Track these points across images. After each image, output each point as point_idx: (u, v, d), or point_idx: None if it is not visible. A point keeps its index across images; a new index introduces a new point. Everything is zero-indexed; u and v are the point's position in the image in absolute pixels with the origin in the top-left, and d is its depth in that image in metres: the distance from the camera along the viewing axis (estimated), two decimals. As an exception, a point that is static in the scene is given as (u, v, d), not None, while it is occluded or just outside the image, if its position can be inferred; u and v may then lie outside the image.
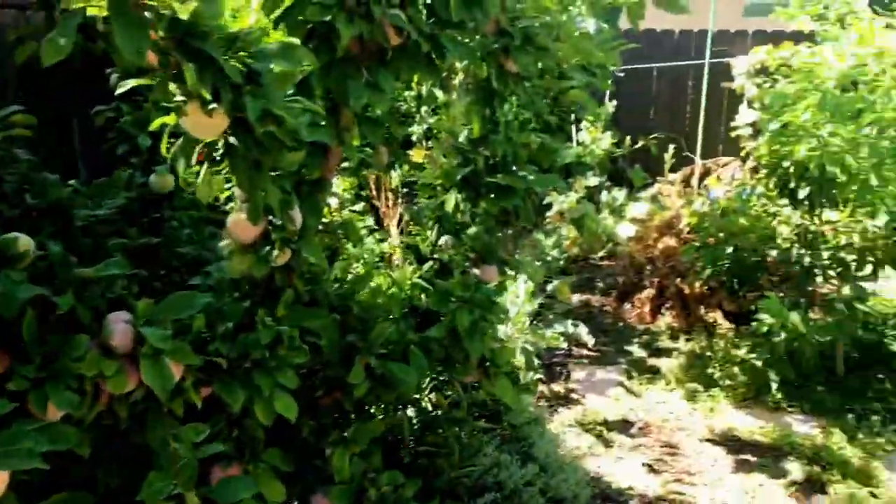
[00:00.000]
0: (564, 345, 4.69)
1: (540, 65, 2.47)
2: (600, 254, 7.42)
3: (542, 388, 4.82)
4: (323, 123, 1.78)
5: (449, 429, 3.04)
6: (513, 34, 1.99)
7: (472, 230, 2.36)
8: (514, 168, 2.63)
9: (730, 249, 4.69)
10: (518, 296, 4.87)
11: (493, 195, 2.21)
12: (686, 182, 7.33)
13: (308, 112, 1.59)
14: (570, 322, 4.91)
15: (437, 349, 2.04)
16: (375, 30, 1.74)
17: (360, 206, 2.39)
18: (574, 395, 4.77)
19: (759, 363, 4.31)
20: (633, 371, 5.06)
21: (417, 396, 2.65)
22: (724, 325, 5.57)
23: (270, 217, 1.82)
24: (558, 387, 4.87)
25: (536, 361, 4.79)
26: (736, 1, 11.44)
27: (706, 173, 7.29)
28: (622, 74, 8.59)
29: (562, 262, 5.99)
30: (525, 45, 2.03)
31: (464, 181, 2.23)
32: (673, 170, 8.10)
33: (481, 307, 2.07)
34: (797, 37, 8.14)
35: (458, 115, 2.32)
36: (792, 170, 4.09)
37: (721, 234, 4.66)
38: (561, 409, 4.61)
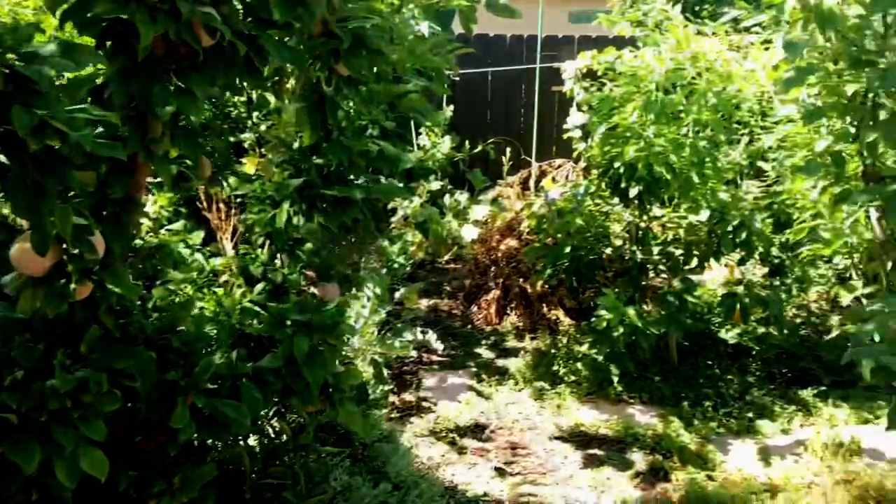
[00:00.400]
0: (414, 353, 4.61)
1: (375, 69, 2.35)
2: (446, 257, 7.43)
3: (393, 398, 4.71)
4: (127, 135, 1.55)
5: (295, 457, 2.85)
6: (342, 36, 1.85)
7: (308, 245, 2.18)
8: (353, 177, 2.49)
9: (568, 249, 4.80)
10: (364, 306, 4.73)
11: (329, 207, 2.06)
12: (524, 184, 7.51)
13: (103, 123, 1.37)
14: (418, 329, 4.83)
15: (273, 380, 1.85)
16: (183, 29, 1.53)
17: (180, 224, 2.14)
18: (426, 403, 4.69)
19: (599, 358, 4.44)
20: (483, 373, 5.06)
21: (260, 423, 2.44)
22: (567, 322, 5.72)
23: (65, 245, 1.56)
24: (410, 396, 4.78)
25: (386, 372, 4.68)
26: (562, 8, 11.95)
27: (542, 175, 7.50)
28: (458, 79, 8.68)
29: (408, 268, 5.92)
30: (356, 47, 1.90)
31: (296, 193, 2.05)
32: (511, 172, 8.28)
33: (321, 331, 1.91)
34: (619, 42, 8.60)
35: (289, 122, 2.14)
36: (622, 170, 4.24)
37: (559, 235, 4.77)
38: (413, 419, 4.51)
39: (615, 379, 4.59)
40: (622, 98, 4.21)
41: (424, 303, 6.45)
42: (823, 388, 4.58)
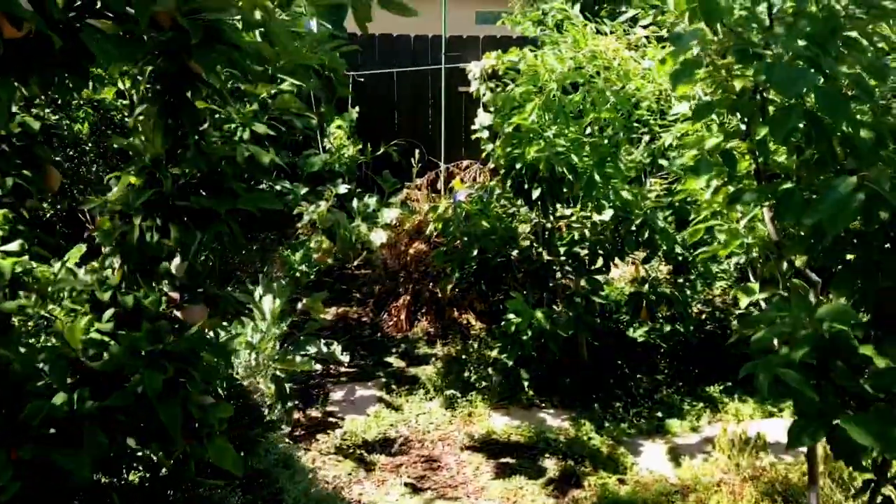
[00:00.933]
0: (319, 367, 4.39)
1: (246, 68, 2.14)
2: (356, 262, 7.22)
3: (298, 414, 4.48)
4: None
5: (177, 491, 2.60)
6: (190, 29, 1.64)
7: (164, 265, 1.94)
8: (225, 186, 2.27)
9: (475, 252, 4.68)
10: (264, 319, 4.48)
11: (187, 220, 1.83)
12: (432, 186, 7.37)
13: None
14: (323, 342, 4.61)
15: (123, 420, 1.63)
16: (-19, 19, 1.30)
17: (17, 245, 1.87)
18: (332, 419, 4.48)
19: (510, 363, 4.33)
20: (393, 383, 4.89)
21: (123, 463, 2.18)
22: (478, 326, 5.61)
23: None
24: (316, 411, 4.55)
25: (292, 387, 4.44)
26: (468, 8, 11.90)
27: (451, 176, 7.39)
28: (363, 80, 8.48)
29: (312, 276, 5.68)
30: (208, 42, 1.69)
31: (146, 206, 1.81)
32: (420, 174, 8.14)
33: (181, 360, 1.70)
34: (523, 42, 8.59)
35: (141, 127, 1.91)
36: (524, 171, 4.15)
37: (466, 238, 4.64)
38: (319, 436, 4.29)
39: (526, 384, 4.50)
40: (522, 98, 4.12)
41: (333, 311, 6.22)
42: (729, 384, 4.61)
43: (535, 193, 4.17)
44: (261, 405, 3.88)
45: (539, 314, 4.21)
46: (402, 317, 5.79)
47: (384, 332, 5.79)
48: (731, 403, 4.45)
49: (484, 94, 8.01)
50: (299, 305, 4.81)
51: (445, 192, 7.47)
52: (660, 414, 4.33)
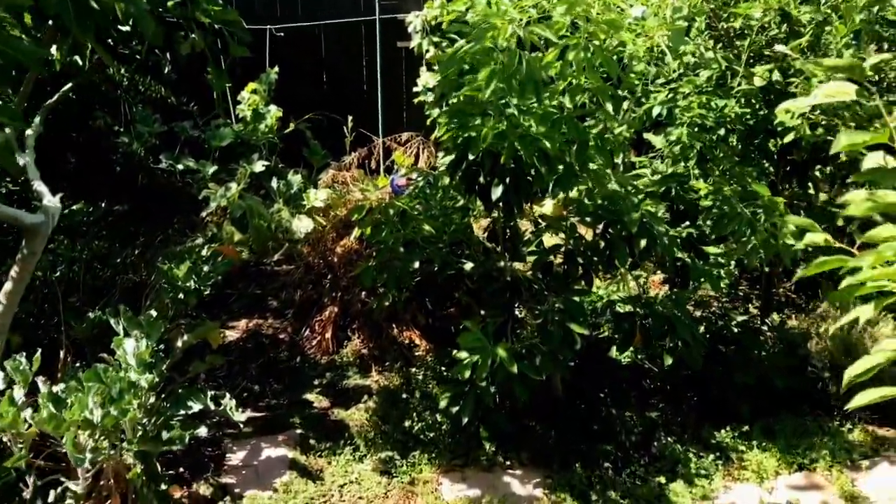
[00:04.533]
0: (203, 431, 3.22)
1: None
2: (276, 256, 6.01)
3: (179, 493, 3.33)
4: None
5: None
6: None
7: None
8: None
9: (416, 264, 3.54)
10: (127, 366, 3.29)
11: None
12: (366, 164, 6.16)
13: None
14: (210, 395, 3.41)
15: None
16: None
17: None
18: (227, 498, 3.34)
19: (465, 419, 3.23)
20: (312, 437, 3.75)
21: None
22: (423, 347, 4.50)
23: None
24: (205, 486, 3.41)
25: (179, 447, 3.26)
26: (406, -50, 10.51)
27: (388, 153, 6.19)
28: (282, 34, 7.15)
29: (207, 290, 4.43)
30: None
31: None
32: (353, 148, 6.92)
33: None
34: (472, -12, 7.34)
35: None
36: (480, 161, 3.00)
37: (403, 249, 3.48)
38: (209, 524, 3.17)
39: (487, 443, 3.42)
40: (473, 59, 2.94)
41: (243, 324, 5.04)
42: (744, 426, 3.62)
43: (497, 192, 3.04)
44: None
45: (502, 352, 3.11)
46: (328, 335, 4.63)
47: (305, 355, 4.63)
48: (750, 453, 3.46)
49: (427, 50, 6.79)
50: (179, 342, 3.60)
51: (383, 171, 6.28)
52: (661, 478, 3.30)
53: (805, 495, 3.17)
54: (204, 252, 4.30)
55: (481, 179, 3.17)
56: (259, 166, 6.68)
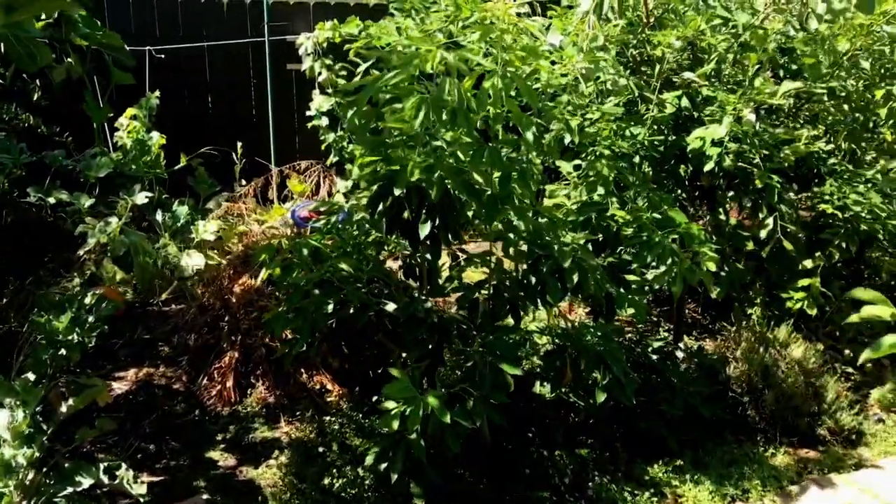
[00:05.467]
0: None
1: None
2: (164, 296, 5.53)
3: (67, 585, 2.88)
4: None
5: None
6: None
7: None
8: None
9: (331, 307, 3.25)
10: (2, 439, 2.82)
11: None
12: (261, 194, 5.79)
13: None
14: (102, 467, 2.97)
15: None
16: None
17: None
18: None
19: (394, 476, 2.97)
20: (220, 500, 3.38)
21: None
22: (336, 392, 4.20)
23: None
24: (97, 574, 2.97)
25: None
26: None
27: (284, 181, 5.85)
28: (163, 56, 6.68)
29: (92, 341, 3.94)
30: None
31: None
32: (244, 177, 6.53)
33: None
34: (363, 10, 7.13)
35: None
36: (407, 197, 2.79)
37: (318, 292, 3.19)
38: None
39: (419, 500, 3.17)
40: (397, 87, 2.72)
41: (131, 375, 4.55)
42: (676, 459, 3.56)
43: (425, 230, 2.83)
44: None
45: (433, 401, 2.88)
46: (229, 383, 4.24)
47: (205, 406, 4.21)
48: (683, 488, 3.39)
49: (319, 73, 6.53)
50: (63, 407, 3.14)
51: (279, 201, 5.93)
52: (600, 522, 3.17)
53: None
54: (87, 299, 3.83)
55: (406, 215, 2.95)
56: (142, 198, 6.18)
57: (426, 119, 2.67)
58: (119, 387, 4.42)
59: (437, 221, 2.85)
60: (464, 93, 2.65)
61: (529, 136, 2.95)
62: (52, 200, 5.82)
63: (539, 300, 3.14)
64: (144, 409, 4.16)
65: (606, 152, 3.59)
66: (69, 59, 3.38)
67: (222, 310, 4.66)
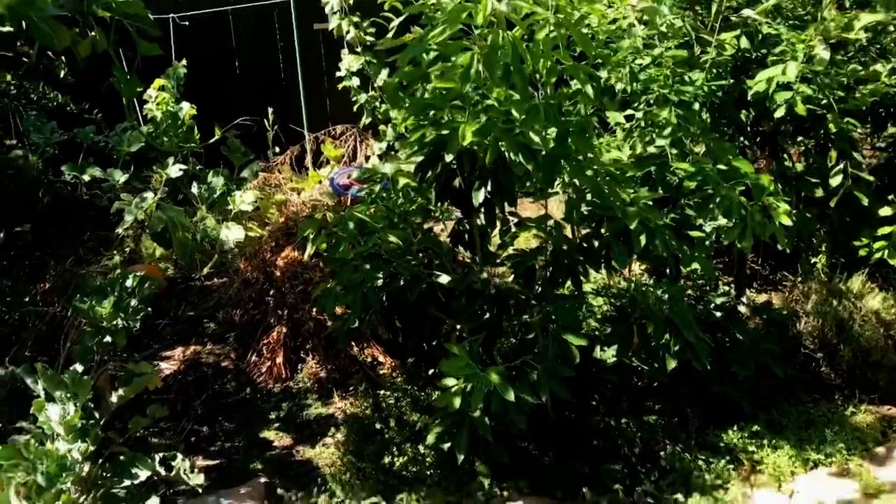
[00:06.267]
0: (155, 502, 2.72)
1: None
2: (206, 270, 5.43)
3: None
4: None
5: None
6: None
7: None
8: None
9: (380, 281, 3.09)
10: (55, 433, 2.74)
11: None
12: (297, 162, 5.62)
13: None
14: (159, 457, 2.89)
15: None
16: None
17: None
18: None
19: (460, 456, 2.84)
20: (279, 484, 3.29)
21: None
22: (388, 364, 4.08)
23: None
24: (161, 563, 2.90)
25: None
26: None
27: (319, 148, 5.66)
28: (187, 24, 6.48)
29: (144, 310, 3.81)
30: None
31: None
32: (277, 143, 6.36)
33: None
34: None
35: None
36: (461, 162, 2.59)
37: (368, 266, 3.03)
38: None
39: (485, 479, 3.04)
40: (444, 44, 2.51)
41: (178, 353, 4.47)
42: (751, 424, 3.37)
43: (479, 197, 2.64)
44: None
45: (496, 377, 2.73)
46: (279, 359, 4.14)
47: (255, 384, 4.13)
48: (761, 453, 3.22)
49: (347, 32, 6.26)
50: (114, 397, 3.06)
51: (315, 168, 5.76)
52: (677, 494, 3.00)
53: (829, 498, 2.95)
54: (129, 282, 3.72)
55: (456, 183, 2.76)
56: (176, 171, 6.05)
57: (477, 77, 2.46)
58: (167, 367, 4.34)
59: (491, 187, 2.65)
60: (519, 45, 2.42)
61: (589, 89, 2.71)
62: (86, 178, 5.73)
63: (603, 264, 2.94)
64: (195, 390, 4.08)
65: (673, 97, 3.32)
66: (93, 33, 3.19)
67: (266, 284, 4.54)
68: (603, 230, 2.92)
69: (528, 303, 3.04)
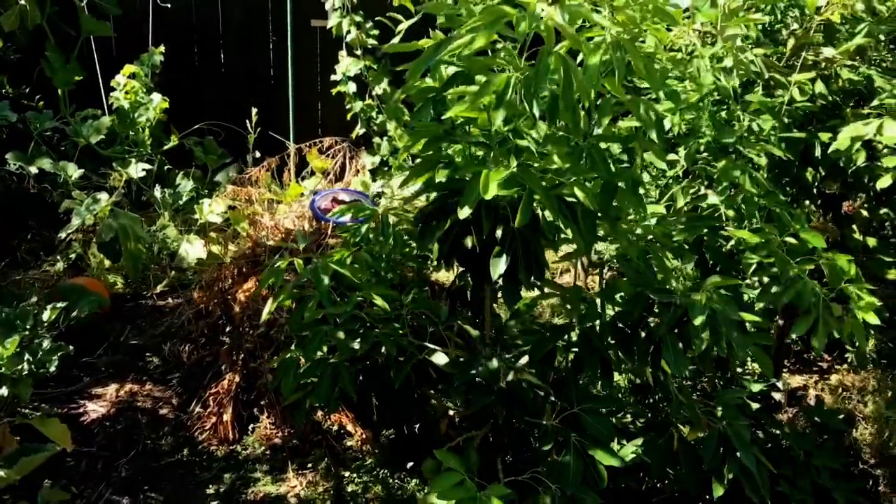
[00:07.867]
0: None
1: None
2: (159, 288, 4.72)
3: None
4: None
5: None
6: None
7: None
8: None
9: (357, 349, 2.39)
10: None
11: None
12: (278, 175, 4.90)
13: None
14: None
15: None
16: None
17: None
18: None
19: None
20: None
21: None
22: (358, 434, 3.37)
23: None
24: None
25: None
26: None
27: (302, 161, 4.95)
28: (168, 5, 5.78)
29: (65, 350, 3.08)
30: None
31: None
32: (260, 147, 5.68)
33: None
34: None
35: None
36: (480, 219, 1.90)
37: (341, 334, 2.33)
38: None
39: None
40: (469, 60, 1.83)
41: (112, 391, 3.74)
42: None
43: (500, 266, 1.95)
44: None
45: (497, 502, 2.03)
46: (227, 417, 3.42)
47: (196, 442, 3.41)
48: None
49: (347, 32, 5.61)
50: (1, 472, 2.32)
51: (294, 180, 5.06)
52: None
53: None
54: (46, 314, 3.00)
55: (469, 242, 2.07)
56: (138, 170, 5.35)
57: (510, 108, 1.78)
58: (94, 408, 3.61)
59: (519, 254, 1.96)
60: (573, 70, 1.74)
61: (654, 134, 2.03)
62: (33, 170, 5.01)
63: (649, 361, 2.26)
64: (122, 444, 3.36)
65: (753, 154, 2.66)
66: (22, 2, 2.48)
67: (223, 319, 3.83)
68: (651, 319, 2.23)
69: (545, 399, 2.34)
